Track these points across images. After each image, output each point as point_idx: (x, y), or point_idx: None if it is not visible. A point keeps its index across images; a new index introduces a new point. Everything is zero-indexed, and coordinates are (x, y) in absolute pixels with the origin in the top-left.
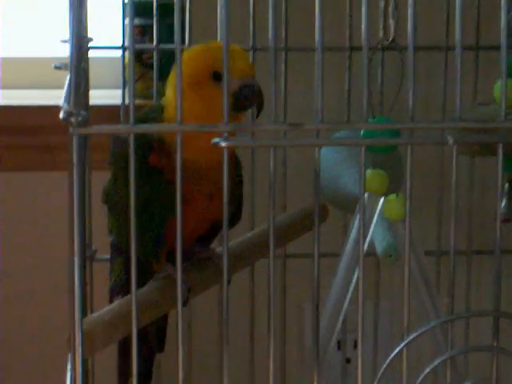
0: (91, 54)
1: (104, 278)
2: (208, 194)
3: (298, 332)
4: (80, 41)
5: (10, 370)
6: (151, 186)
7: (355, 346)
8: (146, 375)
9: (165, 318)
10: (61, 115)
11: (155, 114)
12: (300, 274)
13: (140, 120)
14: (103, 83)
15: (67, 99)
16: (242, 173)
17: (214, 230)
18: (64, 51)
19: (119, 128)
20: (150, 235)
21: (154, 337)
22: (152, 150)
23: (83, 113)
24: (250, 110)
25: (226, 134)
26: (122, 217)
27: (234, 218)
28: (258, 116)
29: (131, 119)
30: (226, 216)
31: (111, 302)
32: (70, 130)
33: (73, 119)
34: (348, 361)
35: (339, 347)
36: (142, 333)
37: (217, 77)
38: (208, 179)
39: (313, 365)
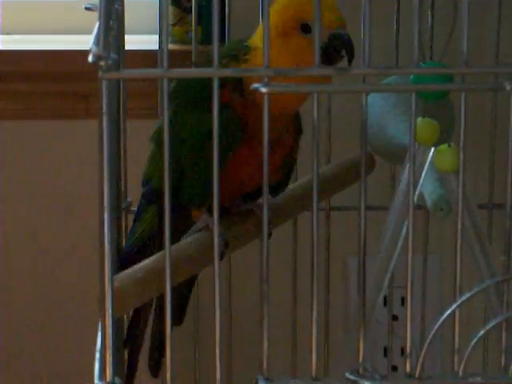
0: None
1: None
2: (270, 146)
3: (343, 286)
4: None
5: (44, 330)
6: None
7: (402, 303)
8: (159, 348)
9: (190, 287)
10: (89, 58)
11: (235, 54)
12: (345, 226)
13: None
14: (147, 28)
15: (96, 41)
16: (299, 142)
17: (259, 193)
18: None
19: (152, 72)
20: (205, 172)
21: (175, 307)
22: (224, 84)
23: (113, 56)
24: None
25: (266, 79)
26: (177, 154)
27: (279, 187)
28: (350, 64)
29: (165, 63)
30: (266, 161)
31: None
32: (100, 73)
33: (102, 62)
34: (395, 318)
35: (385, 303)
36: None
37: (305, 28)
38: (276, 127)
39: (359, 322)
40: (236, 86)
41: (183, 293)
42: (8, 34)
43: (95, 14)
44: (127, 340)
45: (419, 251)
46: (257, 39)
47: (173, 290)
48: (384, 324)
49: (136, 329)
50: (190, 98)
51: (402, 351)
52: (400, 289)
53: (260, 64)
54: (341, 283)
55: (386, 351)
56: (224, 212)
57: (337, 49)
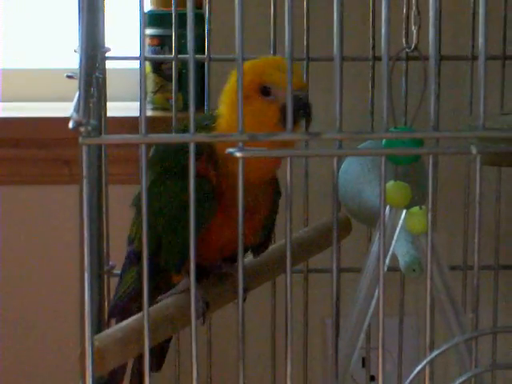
0: (116, 65)
1: None
2: (247, 212)
3: (322, 348)
4: (93, 49)
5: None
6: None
7: None
8: None
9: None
10: (70, 125)
11: (207, 123)
12: (324, 288)
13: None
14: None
15: (76, 108)
16: (278, 204)
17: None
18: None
19: (130, 138)
20: (180, 243)
21: (154, 355)
22: (200, 156)
23: (93, 122)
24: None
25: (241, 144)
26: (154, 221)
27: (260, 248)
28: (307, 129)
29: (143, 129)
30: (242, 220)
31: (113, 315)
32: (80, 139)
33: (82, 129)
34: (372, 378)
35: (363, 364)
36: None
37: (265, 91)
38: (252, 195)
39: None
40: (210, 157)
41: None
42: None
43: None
44: None
45: (396, 312)
46: (221, 107)
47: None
48: None
49: (116, 375)
50: (167, 167)
51: None
52: (377, 350)
53: (226, 130)
54: (320, 345)
55: None
56: (204, 274)
57: (295, 110)
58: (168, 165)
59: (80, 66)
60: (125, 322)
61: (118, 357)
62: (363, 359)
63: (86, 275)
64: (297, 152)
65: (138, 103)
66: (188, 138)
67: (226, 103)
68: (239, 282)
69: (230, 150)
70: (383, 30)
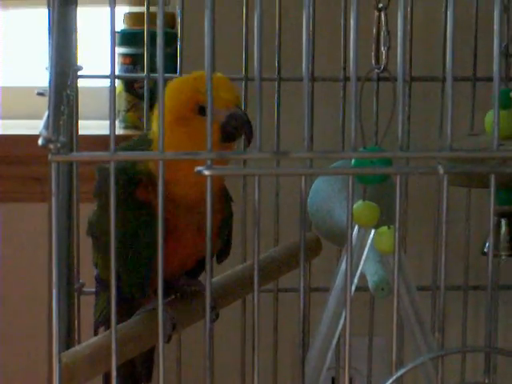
0: (89, 83)
1: (92, 311)
2: (196, 228)
3: (291, 367)
4: (64, 67)
5: None
6: (139, 220)
7: None
8: None
9: (151, 352)
10: (39, 141)
11: (143, 146)
12: (294, 308)
13: (127, 150)
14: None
15: (46, 125)
16: (231, 208)
17: (201, 265)
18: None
19: (99, 155)
20: (137, 270)
21: (141, 366)
22: (139, 183)
23: (62, 139)
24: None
25: (209, 162)
26: (106, 251)
27: (222, 254)
28: (248, 145)
29: (112, 146)
30: (209, 249)
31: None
32: (49, 156)
33: (51, 146)
34: None
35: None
36: (128, 363)
37: (202, 111)
38: (196, 213)
39: None
40: (149, 182)
41: (146, 354)
42: None
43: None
44: None
45: (365, 332)
46: (154, 128)
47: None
48: None
49: None
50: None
51: None
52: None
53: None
54: (289, 365)
55: None
56: (171, 292)
57: (235, 127)
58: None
59: (50, 84)
60: (93, 339)
61: (87, 373)
62: (333, 379)
63: (54, 292)
64: (266, 170)
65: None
66: (158, 155)
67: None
68: (207, 301)
69: (199, 168)
70: (352, 51)
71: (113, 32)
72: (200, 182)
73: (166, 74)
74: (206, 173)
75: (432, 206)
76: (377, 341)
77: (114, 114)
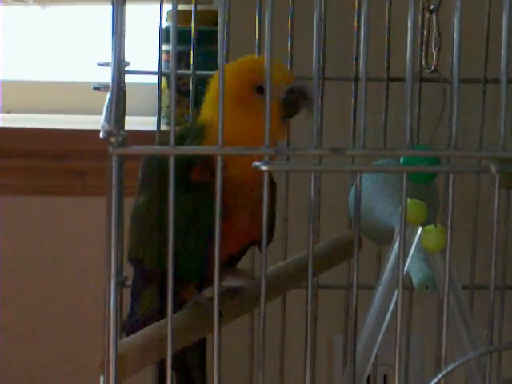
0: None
1: None
2: (249, 213)
3: (328, 365)
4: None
5: None
6: (196, 203)
7: (385, 381)
8: None
9: (203, 349)
10: (101, 134)
11: (196, 134)
12: (330, 304)
13: (180, 139)
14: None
15: (107, 118)
16: (275, 191)
17: (241, 252)
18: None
19: (160, 149)
20: (196, 252)
21: (195, 369)
22: (194, 166)
23: (123, 133)
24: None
25: (266, 158)
26: (161, 238)
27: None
28: (311, 116)
29: (172, 141)
30: (265, 241)
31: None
32: (110, 149)
33: (113, 139)
34: None
35: (368, 381)
36: (182, 364)
37: (260, 90)
38: (252, 198)
39: None
40: (205, 166)
41: (196, 356)
42: (9, 112)
43: (93, 95)
44: None
45: (402, 330)
46: (210, 113)
47: (183, 353)
48: None
49: None
50: (163, 183)
51: None
52: (383, 366)
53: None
54: (325, 361)
55: None
56: (211, 283)
57: (297, 100)
58: (163, 181)
59: (113, 79)
60: (143, 330)
61: (137, 364)
62: (368, 376)
63: (112, 284)
64: (322, 167)
65: (150, 118)
66: (216, 150)
67: (216, 108)
68: (262, 293)
69: (256, 163)
70: (408, 52)
71: (161, 29)
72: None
73: (210, 72)
74: (264, 168)
75: (468, 206)
76: (413, 338)
77: (175, 109)
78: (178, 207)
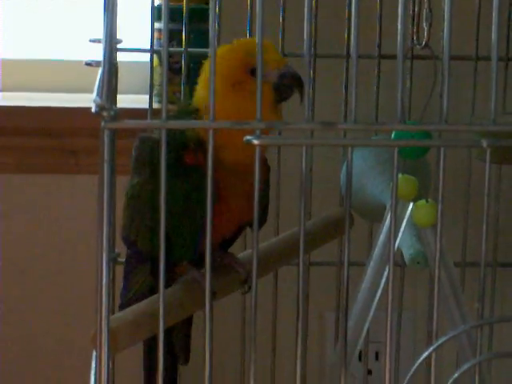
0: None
1: None
2: (241, 195)
3: (319, 342)
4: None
5: (32, 369)
6: (188, 184)
7: (377, 358)
8: None
9: (189, 327)
10: (93, 108)
11: (190, 115)
12: (321, 282)
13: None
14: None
15: (99, 93)
16: (269, 175)
17: (235, 234)
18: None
19: (152, 123)
20: (189, 231)
21: (180, 347)
22: (188, 148)
23: (115, 107)
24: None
25: (258, 132)
26: (154, 219)
27: (260, 221)
28: (302, 100)
29: (164, 114)
30: (257, 218)
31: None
32: (102, 123)
33: (105, 113)
34: (369, 372)
35: (360, 358)
36: (166, 341)
37: (254, 72)
38: (245, 179)
39: (341, 370)
40: (198, 147)
41: (182, 332)
42: (1, 91)
43: (86, 73)
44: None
45: (394, 306)
46: (204, 97)
47: (168, 329)
48: (359, 378)
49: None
50: (156, 165)
51: None
52: (374, 344)
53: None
54: (317, 338)
55: None
56: (203, 261)
57: (288, 85)
58: (156, 163)
59: (105, 53)
60: (135, 306)
61: (129, 339)
62: (360, 353)
63: (105, 256)
64: (314, 141)
65: (142, 96)
66: (209, 124)
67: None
68: (253, 270)
69: (248, 137)
70: (399, 27)
71: (153, 7)
72: (249, 148)
73: (202, 49)
74: (255, 142)
75: (459, 183)
76: (405, 315)
77: (166, 84)
78: (172, 189)
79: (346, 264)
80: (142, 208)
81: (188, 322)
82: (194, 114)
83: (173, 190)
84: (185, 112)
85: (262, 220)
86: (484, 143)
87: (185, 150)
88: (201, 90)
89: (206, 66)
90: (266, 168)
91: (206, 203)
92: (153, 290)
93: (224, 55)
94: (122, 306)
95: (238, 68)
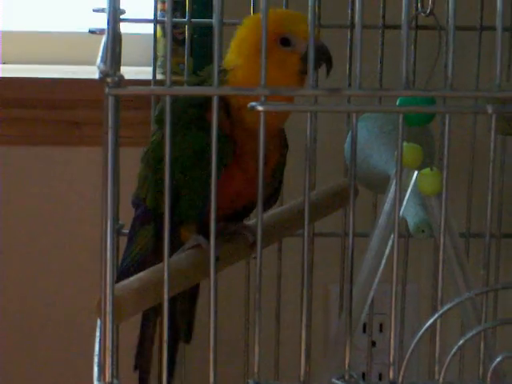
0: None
1: None
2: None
3: (324, 314)
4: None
5: (37, 340)
6: (205, 141)
7: (381, 330)
8: (169, 364)
9: (193, 305)
10: (96, 75)
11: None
12: (326, 253)
13: (201, 82)
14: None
15: (103, 59)
16: (286, 155)
17: (244, 211)
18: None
19: (155, 89)
20: (202, 189)
21: (182, 325)
22: (209, 106)
23: (119, 74)
24: None
25: (263, 98)
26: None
27: (271, 200)
28: (328, 75)
29: (168, 80)
30: (261, 186)
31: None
32: (106, 90)
33: (109, 79)
34: (373, 344)
35: (364, 330)
36: (169, 316)
37: (284, 42)
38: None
39: (346, 329)
40: (222, 107)
41: (186, 310)
42: (5, 63)
43: (89, 45)
44: (138, 356)
45: (398, 279)
46: (233, 59)
47: (173, 305)
48: (363, 350)
49: (144, 345)
50: (177, 120)
51: (380, 377)
52: (379, 316)
53: (243, 83)
54: (321, 310)
55: (364, 377)
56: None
57: (316, 58)
58: (177, 118)
59: (108, 20)
60: (140, 274)
61: (134, 307)
62: (364, 325)
63: (109, 229)
64: (318, 107)
65: (145, 68)
66: (212, 90)
67: (241, 55)
68: (258, 239)
69: (252, 103)
70: None
71: None
72: (272, 116)
73: (206, 20)
74: (260, 108)
75: (463, 152)
76: (409, 286)
77: (171, 51)
78: (188, 145)
79: (350, 235)
80: (156, 163)
81: (192, 299)
82: (222, 76)
83: (189, 145)
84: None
85: (273, 199)
86: (489, 109)
87: (207, 106)
88: (231, 53)
89: (238, 32)
90: (282, 143)
91: (221, 163)
92: (154, 253)
93: (254, 23)
94: (121, 269)
95: (268, 37)
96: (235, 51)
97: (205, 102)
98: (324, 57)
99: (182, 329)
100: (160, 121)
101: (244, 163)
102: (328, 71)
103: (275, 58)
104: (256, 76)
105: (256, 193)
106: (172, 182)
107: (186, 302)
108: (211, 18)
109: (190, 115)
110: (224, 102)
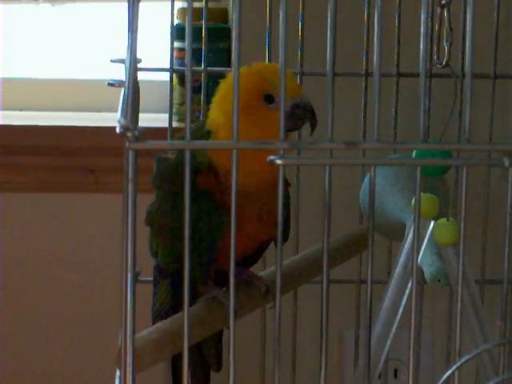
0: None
1: (145, 300)
2: (257, 216)
3: (338, 359)
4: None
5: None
6: (200, 209)
7: (395, 376)
8: None
9: (220, 335)
10: (117, 129)
11: (202, 138)
12: (340, 300)
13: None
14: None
15: (124, 113)
16: (289, 194)
17: (258, 252)
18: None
19: (176, 143)
20: (198, 258)
21: (211, 355)
22: (200, 173)
23: (139, 127)
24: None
25: (282, 152)
26: (168, 239)
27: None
28: (312, 133)
29: (188, 135)
30: (280, 238)
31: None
32: (127, 144)
33: (129, 133)
34: None
35: (380, 375)
36: (195, 351)
37: (268, 99)
38: (258, 201)
39: None
40: (210, 171)
41: (213, 342)
42: (21, 110)
43: (102, 93)
44: None
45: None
46: (215, 117)
47: (195, 346)
48: None
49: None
50: (172, 187)
51: None
52: (393, 361)
53: (224, 139)
54: (336, 356)
55: None
56: (225, 279)
57: (300, 116)
58: (173, 184)
59: (128, 73)
60: (158, 324)
61: (153, 357)
62: (395, 371)
63: (129, 280)
64: (336, 161)
65: (161, 115)
66: (232, 145)
67: (223, 112)
68: (277, 291)
69: (271, 157)
70: (421, 45)
71: (172, 26)
72: (261, 170)
73: (220, 68)
74: (279, 162)
75: (477, 201)
76: (423, 333)
77: (190, 103)
78: (182, 213)
79: (369, 282)
80: (160, 227)
81: (219, 332)
82: (207, 137)
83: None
84: (196, 136)
85: (284, 238)
86: (506, 162)
87: (196, 173)
88: (213, 111)
89: (220, 88)
90: (285, 183)
91: (216, 229)
92: (174, 306)
93: (240, 78)
94: (153, 317)
95: (252, 94)
96: (217, 109)
97: (194, 168)
98: (308, 114)
99: (211, 359)
100: (157, 187)
101: (241, 223)
102: (312, 130)
103: (260, 115)
104: (243, 137)
105: (262, 238)
106: (174, 246)
107: (212, 337)
108: (226, 66)
109: (181, 183)
110: (210, 166)
